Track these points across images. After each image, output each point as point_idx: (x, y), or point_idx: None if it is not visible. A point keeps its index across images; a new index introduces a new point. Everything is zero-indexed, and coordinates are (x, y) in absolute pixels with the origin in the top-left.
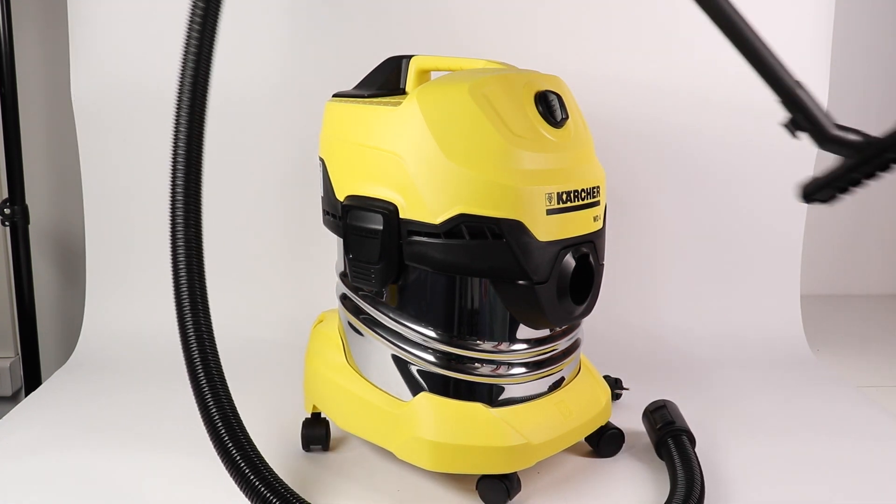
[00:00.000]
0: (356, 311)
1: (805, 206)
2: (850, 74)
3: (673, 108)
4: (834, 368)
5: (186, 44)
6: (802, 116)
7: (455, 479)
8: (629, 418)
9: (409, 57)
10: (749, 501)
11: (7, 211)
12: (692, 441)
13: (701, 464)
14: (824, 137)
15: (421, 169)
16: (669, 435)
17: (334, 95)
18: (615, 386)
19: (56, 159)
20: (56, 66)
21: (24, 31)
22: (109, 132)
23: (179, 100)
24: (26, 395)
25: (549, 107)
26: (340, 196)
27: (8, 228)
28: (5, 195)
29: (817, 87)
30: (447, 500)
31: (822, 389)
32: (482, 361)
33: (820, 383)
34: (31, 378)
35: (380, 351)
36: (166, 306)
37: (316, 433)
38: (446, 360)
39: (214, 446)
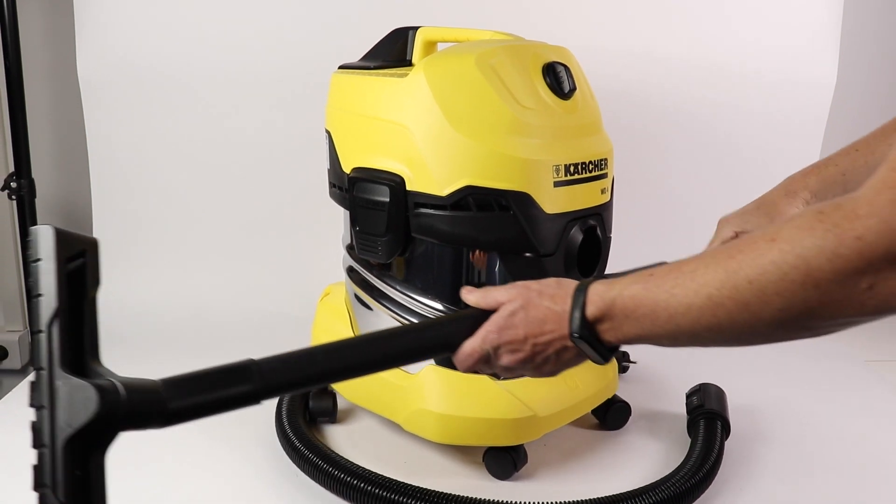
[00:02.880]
0: (363, 284)
1: None
2: (858, 65)
3: (683, 81)
4: (842, 343)
5: None
6: None
7: (462, 451)
8: (636, 391)
9: (416, 28)
10: (755, 475)
11: (13, 185)
12: (726, 427)
13: (724, 450)
14: None
15: (427, 140)
16: (701, 417)
17: (340, 67)
18: (622, 359)
19: (62, 133)
20: (61, 41)
21: (28, 6)
22: (115, 107)
23: None
24: None
25: (557, 78)
26: (347, 168)
27: (15, 202)
28: (12, 169)
29: (825, 75)
30: (454, 472)
31: (830, 364)
32: None
33: (828, 358)
34: None
35: (386, 323)
36: (173, 281)
37: (323, 405)
38: None
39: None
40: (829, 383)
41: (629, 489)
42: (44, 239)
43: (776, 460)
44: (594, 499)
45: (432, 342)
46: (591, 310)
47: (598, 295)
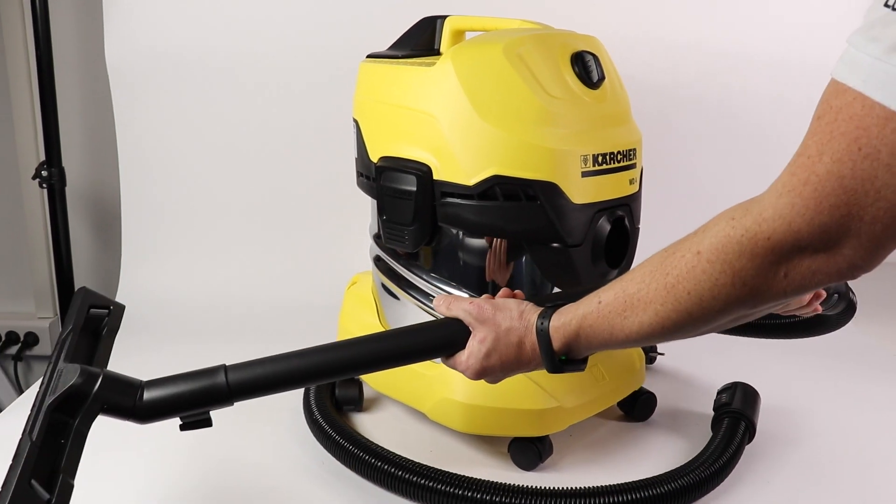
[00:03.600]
0: (390, 274)
1: None
2: None
3: (714, 69)
4: (870, 336)
5: None
6: None
7: (487, 441)
8: (665, 385)
9: (444, 17)
10: (780, 469)
11: (44, 173)
12: (750, 429)
13: (742, 451)
14: None
15: (455, 130)
16: (726, 415)
17: (368, 56)
18: (649, 350)
19: (91, 122)
20: (90, 30)
21: None
22: (144, 95)
23: None
24: None
25: (586, 67)
26: (374, 157)
27: (45, 191)
28: (42, 158)
29: None
30: (479, 462)
31: (857, 357)
32: None
33: (856, 351)
34: None
35: (413, 312)
36: (199, 269)
37: (349, 394)
38: None
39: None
40: (858, 378)
41: (628, 481)
42: (77, 293)
43: (802, 457)
44: (579, 488)
45: (401, 352)
46: (557, 345)
47: (559, 331)
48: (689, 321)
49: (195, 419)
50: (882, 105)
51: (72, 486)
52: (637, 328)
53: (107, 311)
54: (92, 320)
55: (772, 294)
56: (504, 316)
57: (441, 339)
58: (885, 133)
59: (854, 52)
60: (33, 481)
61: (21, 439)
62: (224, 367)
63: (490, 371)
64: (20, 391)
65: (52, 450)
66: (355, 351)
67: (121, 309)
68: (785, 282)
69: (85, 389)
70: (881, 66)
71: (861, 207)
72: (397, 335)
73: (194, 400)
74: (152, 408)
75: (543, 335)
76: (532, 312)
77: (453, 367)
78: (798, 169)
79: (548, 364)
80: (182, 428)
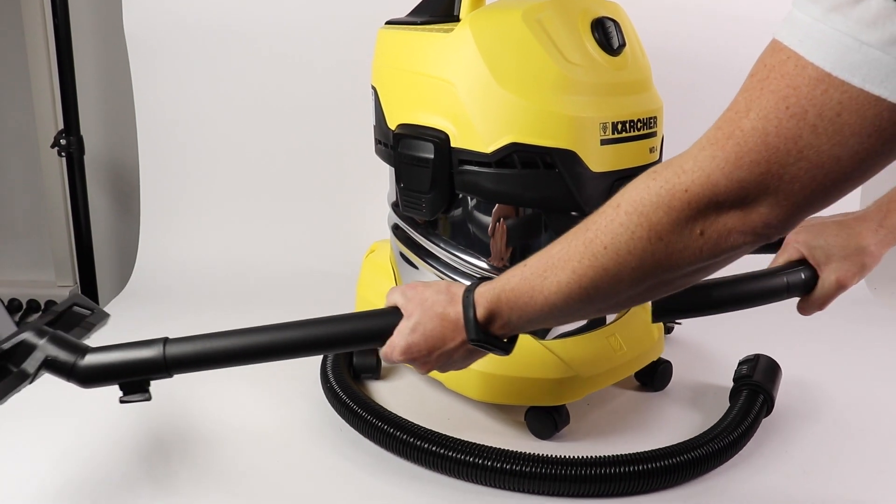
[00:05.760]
0: (408, 242)
1: None
2: None
3: (738, 37)
4: (891, 307)
5: None
6: None
7: (504, 410)
8: (680, 353)
9: None
10: (798, 442)
11: (63, 142)
12: (768, 403)
13: (758, 424)
14: None
15: (473, 96)
16: (745, 387)
17: (387, 22)
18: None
19: (110, 91)
20: None
21: None
22: (162, 64)
23: None
24: None
25: (606, 34)
26: (392, 125)
27: (64, 159)
28: (61, 126)
29: None
30: (496, 430)
31: (878, 328)
32: None
33: (877, 322)
34: None
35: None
36: (218, 235)
37: (367, 362)
38: None
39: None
40: (880, 352)
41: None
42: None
43: (821, 431)
44: (595, 457)
45: (335, 338)
46: (481, 311)
47: (484, 296)
48: (607, 280)
49: (133, 390)
50: (815, 65)
51: None
52: (556, 289)
53: (91, 311)
54: (71, 314)
55: (688, 253)
56: (432, 290)
57: (375, 327)
58: (814, 94)
59: (796, 13)
60: None
61: None
62: (164, 340)
63: (415, 349)
64: None
65: None
66: (290, 335)
67: (103, 314)
68: (701, 240)
69: (33, 342)
70: (819, 26)
71: (782, 166)
72: (334, 321)
73: (131, 369)
74: (90, 370)
75: (468, 301)
76: (461, 286)
77: (387, 358)
78: (724, 123)
79: (470, 331)
80: (121, 400)
